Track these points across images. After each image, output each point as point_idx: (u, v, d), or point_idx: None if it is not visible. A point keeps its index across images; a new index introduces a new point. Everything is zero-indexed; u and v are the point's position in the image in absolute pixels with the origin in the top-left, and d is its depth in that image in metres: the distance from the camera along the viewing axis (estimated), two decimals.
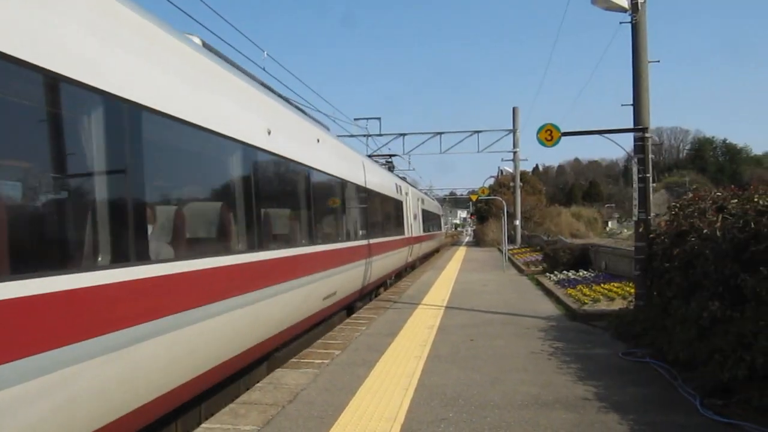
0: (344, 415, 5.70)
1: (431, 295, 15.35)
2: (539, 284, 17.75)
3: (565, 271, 19.17)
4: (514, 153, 42.60)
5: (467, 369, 7.54)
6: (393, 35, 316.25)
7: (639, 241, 10.49)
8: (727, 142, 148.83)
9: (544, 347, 8.87)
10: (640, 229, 10.37)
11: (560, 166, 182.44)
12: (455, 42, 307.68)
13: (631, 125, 10.67)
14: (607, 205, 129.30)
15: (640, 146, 10.56)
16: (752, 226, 6.52)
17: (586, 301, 12.58)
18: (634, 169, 10.64)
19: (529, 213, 49.54)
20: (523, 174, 46.52)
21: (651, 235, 9.95)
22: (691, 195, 9.71)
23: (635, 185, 10.60)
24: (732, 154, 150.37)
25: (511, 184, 45.70)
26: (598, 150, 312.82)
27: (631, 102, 10.72)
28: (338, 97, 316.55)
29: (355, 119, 42.36)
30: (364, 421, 5.56)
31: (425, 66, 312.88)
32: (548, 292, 15.55)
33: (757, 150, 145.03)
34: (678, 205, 9.62)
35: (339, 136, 45.91)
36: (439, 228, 45.60)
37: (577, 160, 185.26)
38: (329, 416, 5.68)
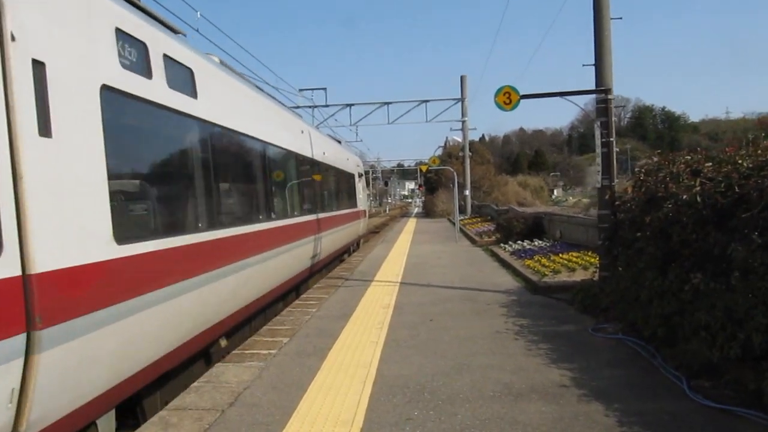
0: (293, 420, 4.93)
1: (384, 271, 14.65)
2: (494, 255, 17.26)
3: (519, 241, 18.75)
4: (463, 122, 42.06)
5: (429, 354, 6.86)
6: (340, 5, 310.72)
7: (603, 209, 9.96)
8: (666, 110, 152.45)
9: (508, 325, 8.27)
10: (606, 197, 9.83)
11: (506, 136, 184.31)
12: (401, 7, 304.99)
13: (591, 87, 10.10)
14: (552, 174, 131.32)
15: (602, 108, 9.97)
16: (736, 190, 5.99)
17: (545, 272, 12.07)
18: (597, 133, 10.06)
19: (478, 183, 49.31)
20: (471, 144, 46.04)
21: (616, 202, 9.41)
22: (656, 159, 9.18)
23: (598, 150, 10.03)
24: (671, 121, 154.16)
25: (460, 153, 45.22)
26: (543, 119, 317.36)
27: (593, 62, 10.11)
28: (282, 68, 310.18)
29: (300, 90, 41.16)
30: (317, 426, 4.80)
31: (371, 35, 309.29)
32: (505, 264, 15.04)
33: (694, 117, 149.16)
34: (643, 170, 9.10)
35: (287, 107, 44.80)
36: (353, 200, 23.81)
37: (522, 129, 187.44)
38: (276, 422, 4.89)
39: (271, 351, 7.14)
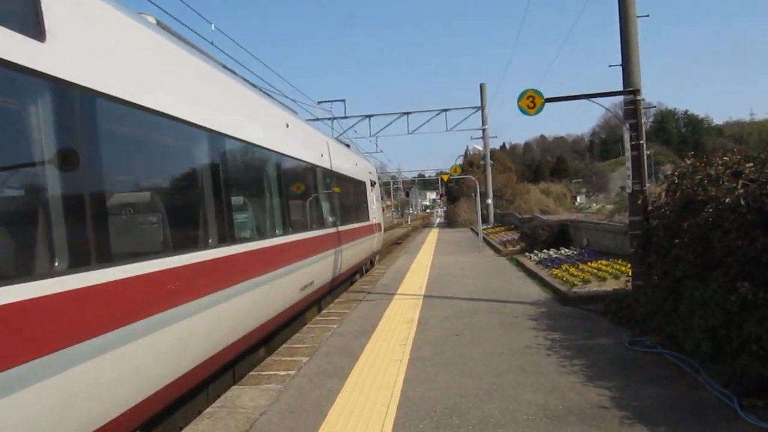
0: None
1: (407, 283, 14.27)
2: (520, 265, 16.79)
3: (545, 250, 18.25)
4: (483, 130, 41.62)
5: (456, 373, 6.47)
6: (357, 16, 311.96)
7: (634, 215, 9.51)
8: (689, 113, 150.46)
9: (539, 339, 7.85)
10: (639, 202, 9.38)
11: (527, 144, 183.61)
12: (420, 18, 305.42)
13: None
14: (574, 181, 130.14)
15: (631, 110, 9.55)
16: None
17: (575, 282, 11.61)
18: (626, 136, 9.63)
19: (500, 191, 48.79)
20: (492, 152, 45.61)
21: (649, 208, 8.97)
22: (690, 161, 8.73)
23: (628, 153, 9.60)
24: (694, 124, 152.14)
25: (481, 162, 44.78)
26: (564, 126, 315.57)
27: (620, 62, 9.70)
28: (301, 80, 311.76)
29: (319, 102, 41.10)
30: None
31: (390, 46, 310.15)
32: (531, 274, 14.59)
33: (718, 120, 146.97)
34: (677, 173, 8.65)
35: (306, 119, 44.72)
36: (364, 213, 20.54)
37: (542, 136, 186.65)
38: None
39: (289, 372, 6.79)
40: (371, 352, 7.61)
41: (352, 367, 6.91)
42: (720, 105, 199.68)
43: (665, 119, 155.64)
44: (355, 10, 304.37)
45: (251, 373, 6.88)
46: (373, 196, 21.39)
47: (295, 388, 6.21)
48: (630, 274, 11.27)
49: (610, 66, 9.78)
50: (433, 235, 38.07)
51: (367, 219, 19.11)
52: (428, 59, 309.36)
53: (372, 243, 20.04)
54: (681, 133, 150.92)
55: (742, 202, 5.94)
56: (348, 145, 21.38)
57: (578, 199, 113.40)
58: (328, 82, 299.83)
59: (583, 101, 9.83)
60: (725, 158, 7.64)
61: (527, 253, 18.72)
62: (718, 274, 6.23)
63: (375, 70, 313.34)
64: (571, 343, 7.59)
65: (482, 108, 41.08)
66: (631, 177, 9.52)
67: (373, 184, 21.91)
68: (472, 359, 7.00)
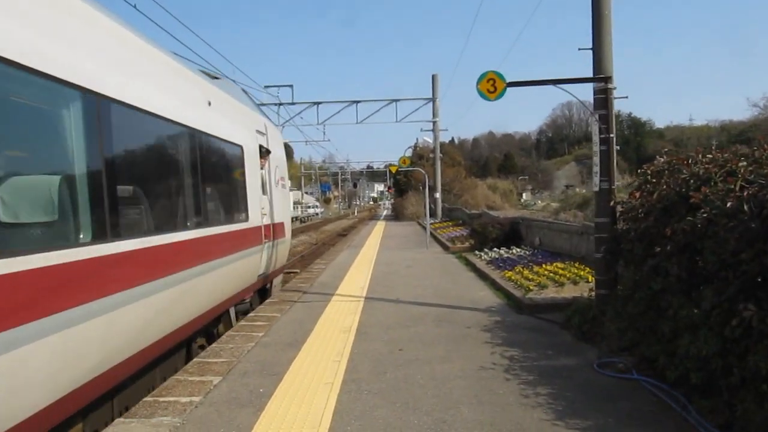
0: None
1: (348, 282, 13.09)
2: (470, 264, 15.81)
3: (496, 249, 17.34)
4: (434, 123, 40.68)
5: (399, 404, 5.31)
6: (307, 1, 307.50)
7: (601, 216, 8.55)
8: (632, 116, 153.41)
9: (495, 358, 6.77)
10: (605, 202, 8.43)
11: (475, 139, 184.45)
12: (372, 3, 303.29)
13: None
14: (521, 178, 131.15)
15: (601, 99, 8.56)
16: None
17: (530, 287, 10.63)
18: (594, 128, 8.65)
19: (448, 185, 48.02)
20: (441, 145, 44.72)
21: (619, 209, 8.01)
22: (664, 158, 7.80)
23: (596, 147, 8.62)
24: (637, 127, 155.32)
25: (431, 155, 43.90)
26: (512, 123, 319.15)
27: (590, 45, 8.71)
28: (247, 64, 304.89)
29: (265, 86, 39.42)
30: None
31: (340, 31, 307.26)
32: (482, 275, 13.59)
33: (660, 124, 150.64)
34: (650, 170, 7.71)
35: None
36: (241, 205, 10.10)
37: (491, 133, 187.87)
38: None
39: (193, 398, 5.52)
40: (298, 370, 6.40)
41: (272, 392, 5.68)
42: (661, 109, 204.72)
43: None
44: None
45: (146, 398, 5.58)
46: (264, 174, 11.35)
47: (195, 423, 4.94)
48: (591, 280, 10.40)
49: (579, 49, 8.76)
50: (379, 227, 36.98)
51: (243, 218, 9.74)
52: (381, 47, 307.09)
53: (258, 262, 10.62)
54: (624, 135, 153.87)
55: (745, 207, 4.96)
56: (218, 78, 11.12)
57: (524, 195, 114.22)
58: (275, 65, 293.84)
59: (549, 87, 8.79)
60: (721, 156, 6.73)
61: (477, 252, 17.77)
62: (710, 291, 5.26)
63: (325, 58, 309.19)
64: (533, 363, 6.54)
65: (433, 99, 40.14)
66: (598, 174, 8.55)
67: (266, 152, 11.66)
68: (418, 384, 5.86)
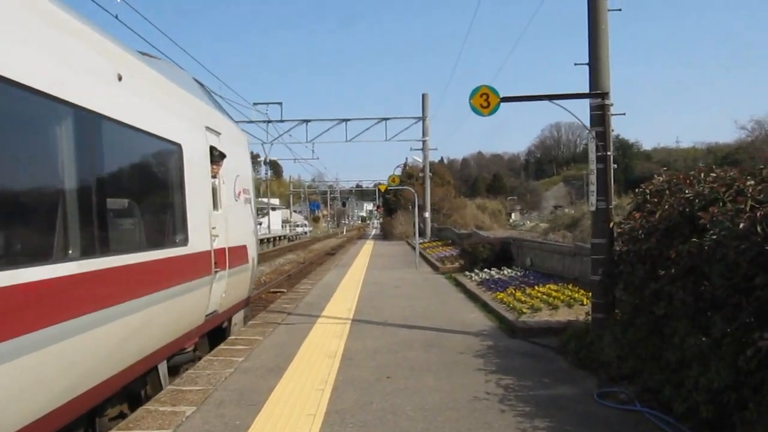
0: None
1: (335, 303, 12.66)
2: (460, 285, 15.43)
3: (486, 269, 16.99)
4: (424, 142, 40.48)
5: None
6: (296, 17, 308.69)
7: (598, 237, 8.21)
8: (620, 137, 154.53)
9: (489, 387, 6.38)
10: (602, 222, 8.10)
11: (464, 159, 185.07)
12: (360, 21, 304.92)
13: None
14: (509, 198, 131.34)
15: (598, 116, 8.26)
16: None
17: (523, 309, 10.26)
18: (591, 146, 8.35)
19: (438, 205, 47.75)
20: (431, 165, 44.49)
21: (618, 230, 7.68)
22: (663, 177, 7.50)
23: (592, 165, 8.31)
24: (625, 148, 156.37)
25: (420, 174, 43.67)
26: (501, 144, 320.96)
27: (587, 61, 8.44)
28: (235, 80, 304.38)
29: (254, 103, 39.15)
30: None
31: (330, 50, 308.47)
32: (473, 297, 13.22)
33: (647, 146, 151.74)
34: (649, 190, 7.40)
35: (237, 121, 42.70)
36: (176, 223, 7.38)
37: (480, 153, 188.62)
38: None
39: None
40: (279, 400, 5.97)
41: (249, 424, 5.24)
42: (648, 131, 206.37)
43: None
44: (293, 10, 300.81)
45: (113, 430, 5.13)
46: (217, 184, 8.87)
47: None
48: (586, 303, 10.05)
49: (575, 65, 8.50)
50: (368, 247, 36.57)
51: (180, 240, 7.30)
52: (371, 65, 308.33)
53: (197, 301, 7.83)
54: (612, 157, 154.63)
55: (758, 228, 4.64)
56: (151, 57, 8.35)
57: (513, 216, 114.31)
58: (263, 83, 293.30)
59: (540, 106, 8.49)
60: (713, 174, 6.44)
61: (467, 272, 17.40)
62: (719, 318, 4.91)
63: (314, 76, 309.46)
64: (528, 393, 6.15)
65: (423, 118, 39.98)
66: (595, 193, 8.23)
67: (220, 156, 8.96)
68: (406, 417, 5.45)
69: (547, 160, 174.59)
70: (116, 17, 10.04)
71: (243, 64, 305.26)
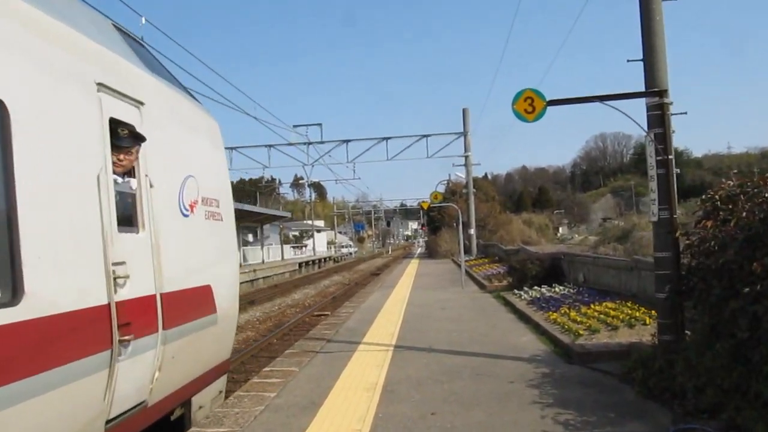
0: None
1: (377, 327, 12.03)
2: (509, 305, 14.63)
3: (536, 287, 16.12)
4: (466, 157, 39.78)
5: None
6: (334, 38, 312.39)
7: (662, 250, 7.40)
8: None
9: (546, 425, 5.63)
10: (666, 233, 7.29)
11: (508, 174, 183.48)
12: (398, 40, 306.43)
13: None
14: (556, 211, 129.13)
15: (657, 117, 7.49)
16: None
17: (579, 331, 9.45)
18: (649, 150, 7.57)
19: (483, 221, 46.81)
20: (474, 180, 43.72)
21: (687, 241, 6.87)
22: (734, 180, 6.68)
23: (652, 171, 7.52)
24: (674, 156, 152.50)
25: (464, 191, 42.89)
26: (546, 157, 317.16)
27: (641, 56, 7.69)
28: (275, 103, 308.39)
29: (294, 126, 39.15)
30: None
31: (368, 70, 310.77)
32: (523, 317, 12.42)
33: (697, 153, 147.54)
34: (719, 195, 6.60)
35: (276, 145, 42.32)
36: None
37: (524, 167, 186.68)
38: None
39: None
40: None
41: None
42: (699, 138, 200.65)
43: (645, 151, 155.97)
44: (332, 33, 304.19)
45: None
46: (138, 185, 5.14)
47: None
48: (649, 323, 9.20)
49: (628, 61, 7.76)
50: (412, 266, 35.88)
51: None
52: (410, 84, 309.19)
53: (61, 404, 3.85)
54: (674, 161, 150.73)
55: None
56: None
57: (560, 230, 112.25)
58: (303, 106, 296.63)
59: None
60: None
61: (516, 290, 16.54)
62: None
63: (353, 96, 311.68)
64: (592, 431, 5.39)
65: (465, 134, 39.34)
66: (657, 202, 7.43)
67: (134, 139, 5.05)
68: None
69: (593, 172, 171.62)
70: (141, 39, 9.72)
71: (282, 88, 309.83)
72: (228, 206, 6.87)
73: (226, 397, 7.13)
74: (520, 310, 13.19)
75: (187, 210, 5.79)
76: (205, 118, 6.97)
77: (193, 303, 5.76)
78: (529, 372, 7.74)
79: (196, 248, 6.00)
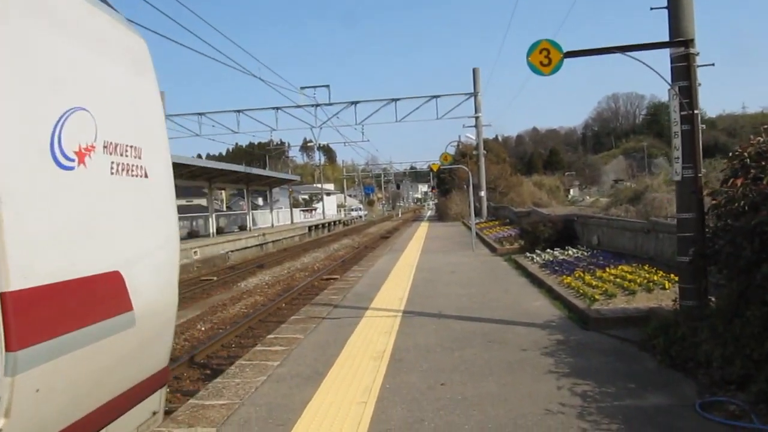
0: None
1: (386, 292, 11.73)
2: (520, 268, 14.27)
3: (549, 250, 15.75)
4: (476, 118, 39.05)
5: None
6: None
7: (685, 211, 7.00)
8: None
9: (563, 395, 5.31)
10: (690, 194, 6.87)
11: (519, 136, 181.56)
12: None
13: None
14: (567, 173, 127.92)
15: (682, 69, 7.00)
16: None
17: (595, 295, 9.09)
18: (673, 104, 7.09)
19: (494, 183, 46.29)
20: (485, 142, 43.00)
21: (713, 201, 6.44)
22: (764, 137, 6.23)
23: (675, 128, 7.06)
24: None
25: (474, 152, 42.26)
26: (557, 118, 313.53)
27: (665, 3, 7.17)
28: (283, 67, 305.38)
29: (301, 88, 38.53)
30: None
31: (375, 30, 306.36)
32: (536, 281, 12.07)
33: (711, 113, 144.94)
34: (748, 152, 6.15)
35: (284, 107, 41.80)
36: None
37: (535, 129, 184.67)
38: None
39: None
40: (313, 418, 5.06)
41: None
42: (713, 97, 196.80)
43: (658, 111, 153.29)
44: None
45: None
46: None
47: None
48: (668, 287, 8.83)
49: (651, 9, 7.22)
50: (422, 229, 35.55)
51: None
52: (418, 45, 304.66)
53: None
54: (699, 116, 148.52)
55: None
56: None
57: (571, 192, 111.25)
58: (310, 67, 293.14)
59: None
60: None
61: (528, 253, 16.17)
62: None
63: (361, 57, 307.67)
64: (613, 404, 5.06)
65: (475, 94, 38.54)
66: (680, 159, 6.99)
67: None
68: None
69: (605, 133, 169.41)
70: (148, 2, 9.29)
71: (289, 49, 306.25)
72: (158, 158, 4.63)
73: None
74: (532, 273, 12.85)
75: (69, 159, 3.60)
76: (123, 31, 4.53)
77: (83, 300, 3.63)
78: (543, 339, 7.41)
79: (89, 217, 3.81)
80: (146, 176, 4.37)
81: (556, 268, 12.59)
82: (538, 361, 6.46)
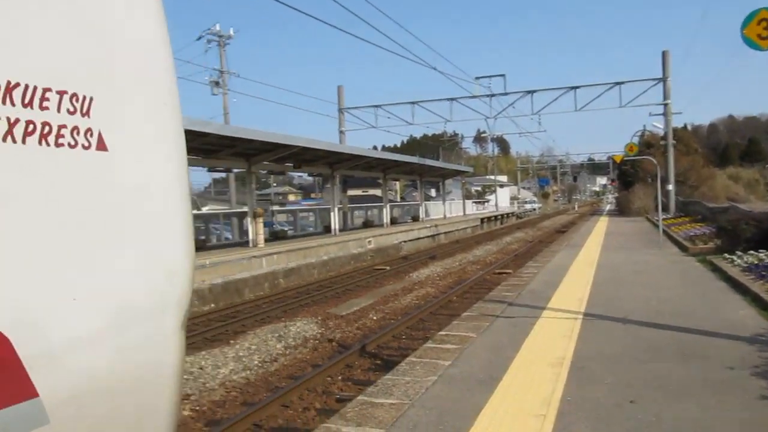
0: None
1: (564, 291, 11.04)
2: (717, 271, 12.83)
3: (752, 251, 14.00)
4: (665, 105, 36.18)
5: None
6: None
7: None
8: None
9: None
10: None
11: (712, 125, 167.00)
12: None
13: None
14: None
15: None
16: None
17: None
18: None
19: (683, 176, 42.76)
20: (674, 131, 39.78)
21: None
22: None
23: None
24: None
25: (662, 143, 39.27)
26: (758, 104, 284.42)
27: None
28: (458, 55, 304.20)
29: (476, 78, 38.18)
30: None
31: (553, 15, 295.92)
32: (738, 287, 10.72)
33: None
34: None
35: (458, 98, 41.75)
36: None
37: (731, 117, 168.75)
38: None
39: None
40: (486, 428, 4.69)
41: None
42: None
43: None
44: None
45: None
46: None
47: None
48: None
49: None
50: (601, 224, 33.69)
51: None
52: (601, 26, 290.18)
53: None
54: None
55: None
56: None
57: None
58: (486, 57, 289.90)
59: None
60: None
61: (726, 255, 14.52)
62: None
63: (539, 45, 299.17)
64: None
65: (664, 79, 35.72)
66: None
67: None
68: None
69: None
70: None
71: (466, 40, 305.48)
72: (141, 118, 2.20)
73: None
74: (733, 277, 11.45)
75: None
76: None
77: None
78: (752, 356, 6.44)
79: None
80: (101, 148, 2.02)
81: (763, 272, 11.10)
82: (749, 383, 5.57)
